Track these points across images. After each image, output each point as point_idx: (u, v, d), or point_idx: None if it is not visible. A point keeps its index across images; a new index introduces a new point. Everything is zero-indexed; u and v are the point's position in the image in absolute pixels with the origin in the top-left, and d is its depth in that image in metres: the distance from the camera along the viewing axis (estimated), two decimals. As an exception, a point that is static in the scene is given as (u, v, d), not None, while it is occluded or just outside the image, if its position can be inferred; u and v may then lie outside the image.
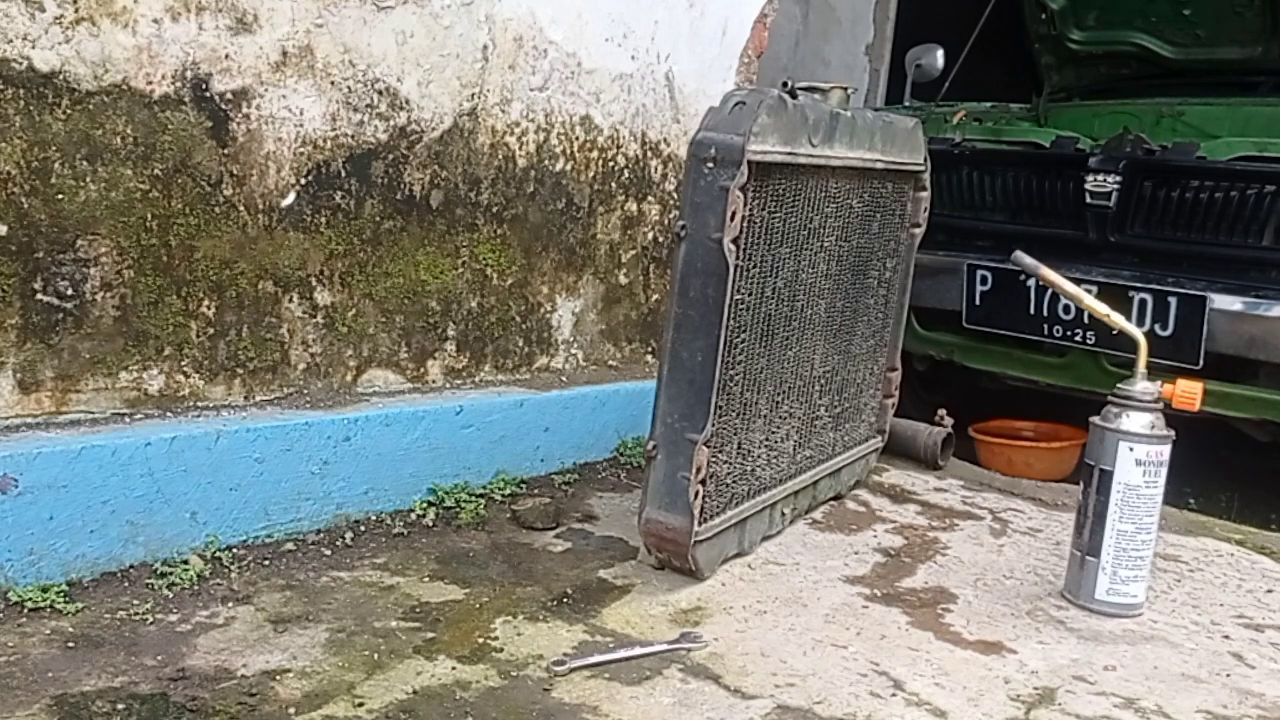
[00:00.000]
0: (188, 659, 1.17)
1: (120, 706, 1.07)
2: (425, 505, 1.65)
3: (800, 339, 1.64)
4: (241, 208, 1.49)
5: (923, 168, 1.89)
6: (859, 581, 1.53)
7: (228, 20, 1.42)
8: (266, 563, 1.43)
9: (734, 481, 1.53)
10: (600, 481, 1.89)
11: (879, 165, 1.72)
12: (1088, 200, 2.74)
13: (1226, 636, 1.43)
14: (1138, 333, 1.50)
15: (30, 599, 1.24)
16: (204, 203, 1.45)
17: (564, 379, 1.98)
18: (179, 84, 1.40)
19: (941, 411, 2.18)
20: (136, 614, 1.26)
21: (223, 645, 1.20)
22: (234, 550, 1.43)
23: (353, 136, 1.60)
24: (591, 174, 1.99)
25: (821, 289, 1.66)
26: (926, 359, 3.16)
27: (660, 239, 2.16)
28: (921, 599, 1.48)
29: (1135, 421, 1.44)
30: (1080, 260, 2.69)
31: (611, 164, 2.02)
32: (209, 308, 1.49)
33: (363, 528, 1.57)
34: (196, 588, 1.34)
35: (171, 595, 1.31)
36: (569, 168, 1.94)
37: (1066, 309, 2.72)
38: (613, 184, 2.04)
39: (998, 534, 1.78)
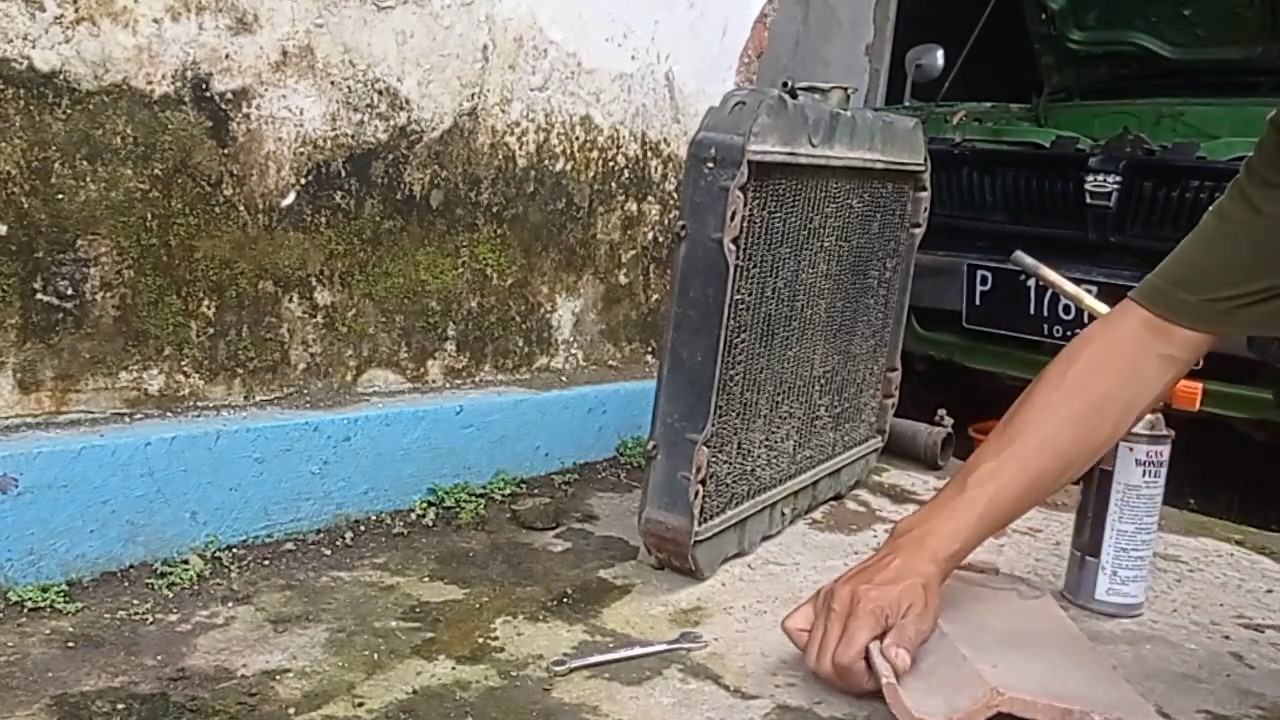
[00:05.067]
0: (188, 659, 1.17)
1: (120, 706, 1.07)
2: (425, 505, 1.65)
3: (800, 339, 1.64)
4: (241, 208, 1.49)
5: (923, 168, 1.89)
6: (859, 581, 1.52)
7: (228, 20, 1.42)
8: (266, 563, 1.43)
9: (734, 481, 1.53)
10: (600, 481, 1.89)
11: (879, 165, 1.72)
12: (1088, 200, 2.74)
13: (1226, 637, 1.43)
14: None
15: (30, 599, 1.24)
16: (204, 203, 1.45)
17: (564, 379, 1.98)
18: (179, 84, 1.40)
19: (941, 411, 2.18)
20: (136, 614, 1.26)
21: (223, 645, 1.20)
22: (234, 550, 1.43)
23: (353, 136, 1.60)
24: (591, 174, 1.99)
25: (821, 289, 1.66)
26: (926, 359, 3.16)
27: (660, 239, 2.16)
28: (921, 599, 1.48)
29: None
30: (1080, 260, 2.70)
31: (611, 164, 2.03)
32: (209, 307, 1.49)
33: (363, 528, 1.57)
34: (196, 588, 1.34)
35: (171, 595, 1.31)
36: (569, 168, 1.94)
37: (1066, 309, 2.72)
38: (613, 184, 2.04)
39: (997, 534, 1.78)
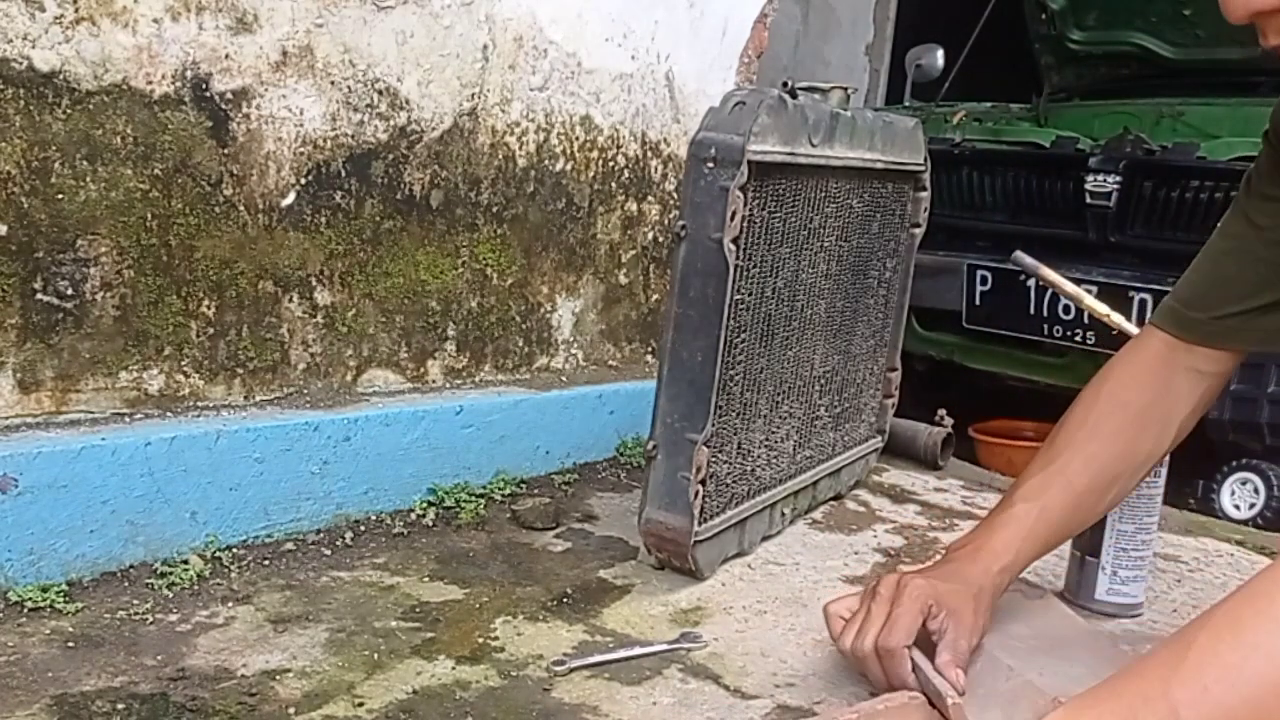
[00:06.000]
0: (188, 659, 1.17)
1: (120, 706, 1.07)
2: (425, 505, 1.65)
3: (800, 339, 1.64)
4: (241, 208, 1.49)
5: (923, 168, 1.89)
6: (859, 582, 1.52)
7: (228, 20, 1.42)
8: (266, 563, 1.43)
9: (734, 481, 1.53)
10: (600, 481, 1.89)
11: (879, 165, 1.72)
12: (1088, 200, 2.75)
13: (1226, 636, 1.43)
14: (1138, 333, 1.50)
15: (30, 599, 1.24)
16: (204, 203, 1.45)
17: (564, 379, 1.98)
18: (179, 84, 1.40)
19: (941, 411, 2.18)
20: (136, 614, 1.26)
21: (223, 645, 1.20)
22: (234, 550, 1.43)
23: (353, 136, 1.60)
24: (591, 174, 1.99)
25: (821, 289, 1.66)
26: (926, 359, 3.16)
27: (660, 239, 2.16)
28: (921, 599, 1.48)
29: (1135, 421, 1.43)
30: (1080, 260, 2.70)
31: (611, 164, 2.03)
32: (209, 307, 1.49)
33: (363, 528, 1.57)
34: (196, 588, 1.34)
35: (171, 595, 1.31)
36: (569, 168, 1.94)
37: (1066, 309, 2.72)
38: (613, 184, 2.04)
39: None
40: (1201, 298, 1.23)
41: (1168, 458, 1.43)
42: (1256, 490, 2.50)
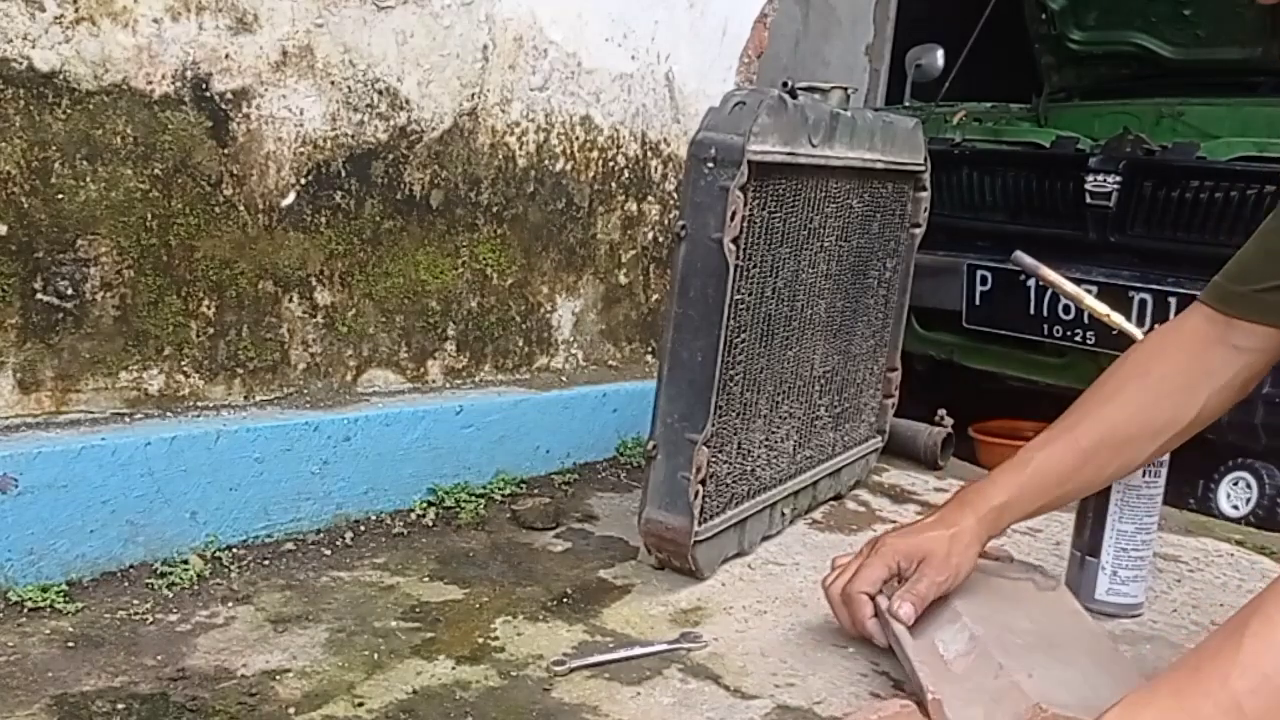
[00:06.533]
0: (188, 659, 1.17)
1: (120, 706, 1.07)
2: (425, 505, 1.65)
3: (800, 339, 1.64)
4: (241, 208, 1.49)
5: (923, 168, 1.89)
6: (859, 581, 1.52)
7: (228, 20, 1.42)
8: (266, 562, 1.43)
9: (734, 481, 1.53)
10: (600, 481, 1.89)
11: (879, 165, 1.72)
12: (1088, 200, 2.75)
13: (1226, 636, 1.43)
14: (1138, 333, 1.50)
15: (30, 599, 1.24)
16: (204, 203, 1.45)
17: (564, 379, 1.98)
18: (179, 84, 1.40)
19: (941, 411, 2.18)
20: (136, 614, 1.26)
21: (223, 645, 1.20)
22: (234, 550, 1.43)
23: (353, 136, 1.60)
24: (591, 174, 1.99)
25: (821, 289, 1.67)
26: (926, 359, 3.17)
27: (660, 239, 2.16)
28: (921, 599, 1.48)
29: (1135, 422, 1.43)
30: (1080, 260, 2.70)
31: (611, 164, 2.03)
32: (209, 307, 1.49)
33: (363, 528, 1.57)
34: (196, 588, 1.34)
35: (171, 595, 1.31)
36: (569, 168, 1.94)
37: (1066, 309, 2.72)
38: (613, 184, 2.04)
39: (997, 534, 1.78)
40: (1247, 272, 1.24)
41: (1167, 457, 1.43)
42: (1250, 488, 2.52)
